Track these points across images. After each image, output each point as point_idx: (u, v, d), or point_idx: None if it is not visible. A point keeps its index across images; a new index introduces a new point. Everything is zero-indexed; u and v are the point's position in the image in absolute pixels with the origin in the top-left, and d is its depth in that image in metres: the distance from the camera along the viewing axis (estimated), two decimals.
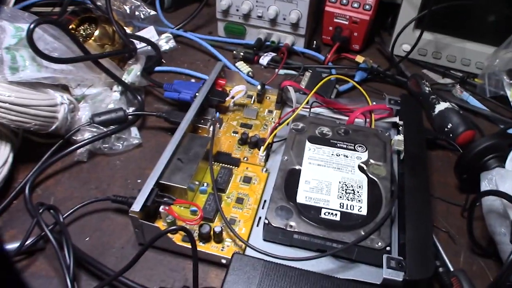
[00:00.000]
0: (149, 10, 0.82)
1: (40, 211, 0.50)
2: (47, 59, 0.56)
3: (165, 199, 0.52)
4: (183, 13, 0.91)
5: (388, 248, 0.48)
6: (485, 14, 0.76)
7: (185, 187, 0.52)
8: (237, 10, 0.80)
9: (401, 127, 0.62)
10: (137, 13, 0.81)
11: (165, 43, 0.80)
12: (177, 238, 0.50)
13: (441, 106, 0.67)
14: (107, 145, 0.62)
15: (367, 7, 0.78)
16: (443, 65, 0.81)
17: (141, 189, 0.51)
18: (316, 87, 0.62)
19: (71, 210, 0.53)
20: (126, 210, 0.55)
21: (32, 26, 0.54)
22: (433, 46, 0.79)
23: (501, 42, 0.73)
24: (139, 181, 0.59)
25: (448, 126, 0.65)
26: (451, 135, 0.65)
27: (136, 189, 0.58)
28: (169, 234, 0.49)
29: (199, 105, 0.61)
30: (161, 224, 0.51)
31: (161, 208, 0.51)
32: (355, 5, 0.79)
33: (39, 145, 0.61)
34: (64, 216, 0.51)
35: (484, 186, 0.52)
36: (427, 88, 0.71)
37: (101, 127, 0.61)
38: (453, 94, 0.75)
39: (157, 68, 0.75)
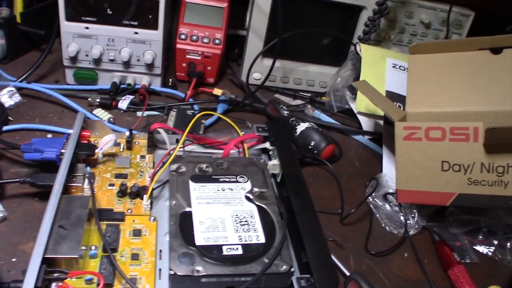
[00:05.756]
0: None
1: None
2: None
3: (56, 274, 0.46)
4: (21, 63, 0.82)
5: (292, 269, 0.51)
6: (321, 39, 0.86)
7: (77, 256, 0.48)
8: (87, 55, 0.75)
9: (271, 152, 0.66)
10: None
11: (9, 98, 0.71)
12: None
13: (301, 127, 0.73)
14: None
15: (217, 41, 0.82)
16: (292, 88, 0.88)
17: (25, 270, 0.45)
18: (189, 126, 0.63)
19: None
20: None
21: None
22: (280, 72, 0.86)
23: (336, 62, 0.83)
24: (13, 260, 0.52)
25: (311, 144, 0.71)
26: (315, 151, 0.71)
27: (12, 270, 0.51)
28: None
29: (69, 163, 0.57)
30: None
31: (54, 286, 0.46)
32: (205, 40, 0.82)
33: None
34: None
35: None
36: (285, 112, 0.77)
37: None
38: (306, 113, 0.83)
39: (5, 128, 0.66)
